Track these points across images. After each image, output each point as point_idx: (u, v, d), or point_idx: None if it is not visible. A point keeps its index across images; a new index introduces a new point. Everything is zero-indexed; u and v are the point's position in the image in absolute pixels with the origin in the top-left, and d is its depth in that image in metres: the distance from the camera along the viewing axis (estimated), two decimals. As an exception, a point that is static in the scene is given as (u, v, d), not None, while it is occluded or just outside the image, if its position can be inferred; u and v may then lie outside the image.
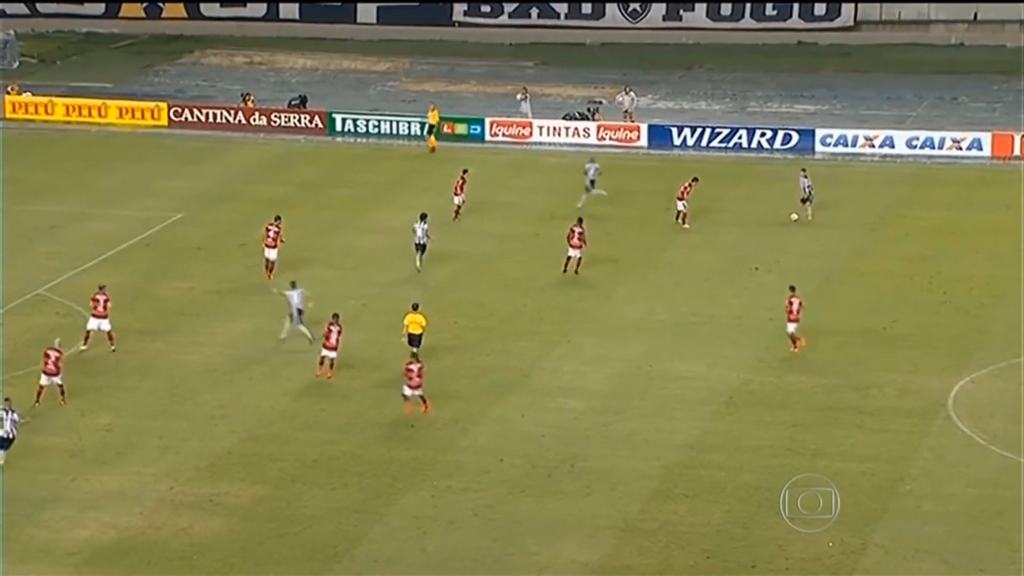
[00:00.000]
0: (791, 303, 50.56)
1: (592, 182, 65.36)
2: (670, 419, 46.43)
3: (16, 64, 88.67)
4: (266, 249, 56.89)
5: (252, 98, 79.52)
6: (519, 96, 78.76)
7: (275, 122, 77.70)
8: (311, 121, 77.70)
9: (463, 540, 40.05)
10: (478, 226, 63.45)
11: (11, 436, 42.94)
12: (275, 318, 51.56)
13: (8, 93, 79.44)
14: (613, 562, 39.11)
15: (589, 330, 53.01)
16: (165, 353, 50.99)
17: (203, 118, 78.00)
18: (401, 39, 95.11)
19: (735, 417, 46.64)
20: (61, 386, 46.54)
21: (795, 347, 50.59)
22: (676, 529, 40.37)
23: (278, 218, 57.48)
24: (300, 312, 50.79)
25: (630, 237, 62.10)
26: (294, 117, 77.94)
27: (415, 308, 50.01)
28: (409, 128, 76.61)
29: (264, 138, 76.58)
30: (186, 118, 77.96)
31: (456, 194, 63.81)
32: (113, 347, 50.36)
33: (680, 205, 63.02)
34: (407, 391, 46.35)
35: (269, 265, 56.82)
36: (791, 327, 50.60)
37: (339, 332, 48.53)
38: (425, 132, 74.99)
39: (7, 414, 43.01)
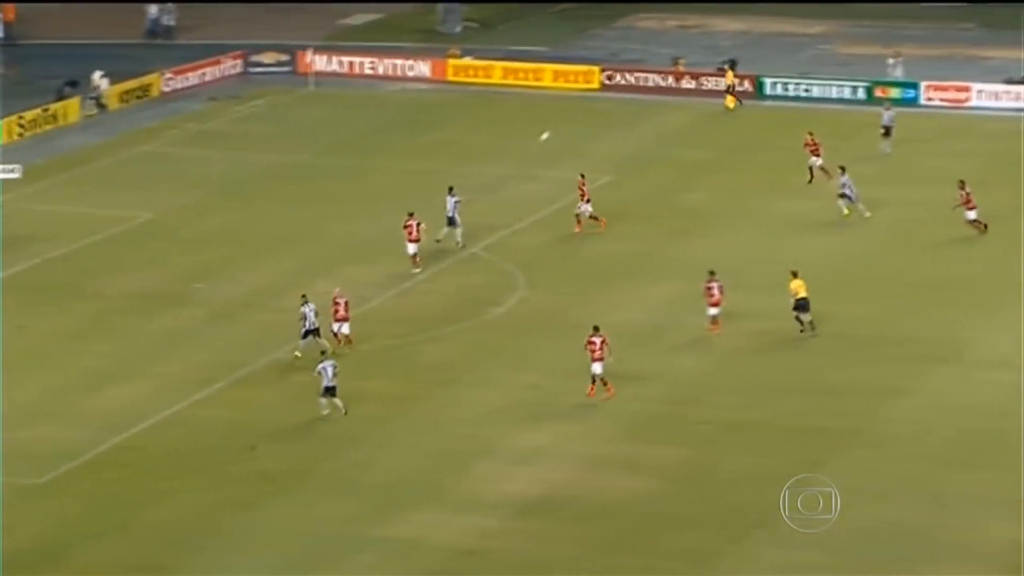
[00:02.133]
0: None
1: (887, 128, 65.98)
2: (1109, 397, 44.68)
3: (458, 28, 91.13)
4: (409, 244, 54.33)
5: (683, 62, 79.75)
6: (891, 60, 77.00)
7: (704, 86, 77.75)
8: (741, 85, 77.46)
9: (890, 512, 39.44)
10: (906, 193, 62.23)
11: (333, 384, 44.27)
12: (694, 282, 51.60)
13: (451, 57, 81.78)
14: (1044, 542, 37.95)
15: (1021, 301, 51.35)
16: (590, 314, 51.65)
17: (634, 82, 78.62)
18: (836, 1, 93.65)
19: None
20: (348, 335, 47.85)
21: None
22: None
23: (411, 214, 54.61)
24: (452, 219, 55.85)
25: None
26: (724, 81, 77.75)
27: (795, 275, 49.56)
28: (841, 92, 75.64)
29: (693, 102, 76.68)
30: (618, 82, 78.69)
31: (815, 155, 62.79)
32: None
33: None
34: (596, 367, 45.10)
35: (414, 259, 54.48)
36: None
37: (720, 289, 48.98)
38: (726, 90, 75.36)
39: (328, 364, 44.38)
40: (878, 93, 75.18)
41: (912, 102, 74.59)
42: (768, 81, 77.11)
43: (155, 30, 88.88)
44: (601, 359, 45.19)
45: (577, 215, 58.44)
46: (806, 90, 76.45)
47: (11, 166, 64.51)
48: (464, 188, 59.73)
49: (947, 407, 44.76)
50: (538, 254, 56.78)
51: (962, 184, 57.42)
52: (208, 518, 39.49)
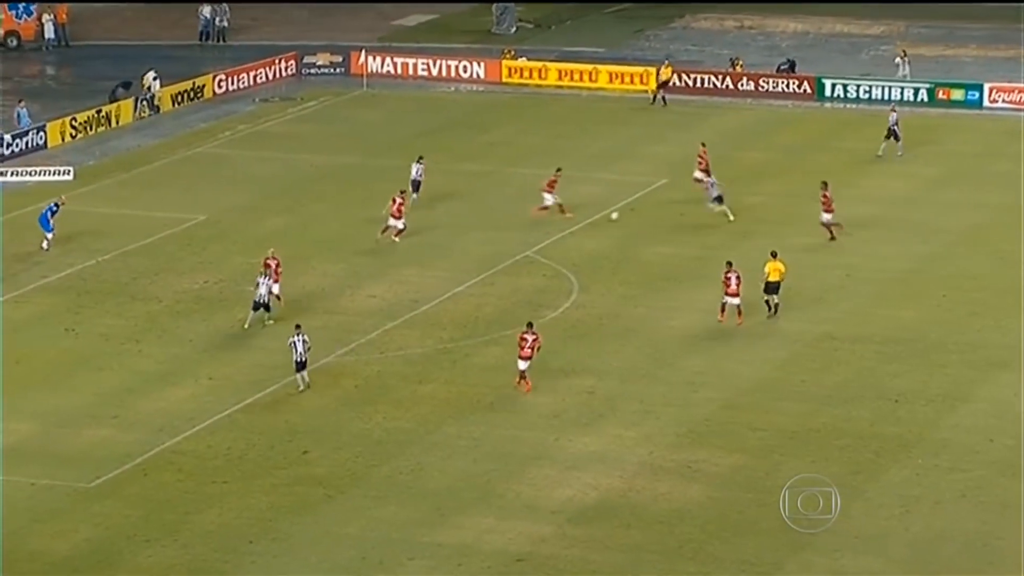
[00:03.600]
0: None
1: (893, 131, 65.64)
2: None
3: (513, 29, 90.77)
4: (391, 219, 56.71)
5: (740, 63, 79.14)
6: (897, 60, 76.54)
7: (763, 87, 77.12)
8: (799, 86, 76.80)
9: (949, 521, 38.82)
10: (968, 197, 61.57)
11: (304, 359, 45.49)
12: (752, 287, 51.01)
13: (505, 58, 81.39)
14: (1109, 553, 37.20)
15: (1088, 307, 50.63)
16: (646, 318, 51.27)
17: (691, 83, 78.03)
18: (897, 1, 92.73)
19: None
20: (278, 295, 50.22)
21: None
22: None
23: (403, 192, 57.48)
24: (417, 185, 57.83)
25: None
26: (782, 82, 77.19)
27: (774, 256, 49.68)
28: (902, 94, 74.88)
29: (751, 103, 76.05)
30: (674, 83, 78.07)
31: (701, 169, 61.81)
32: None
33: None
34: (520, 364, 45.34)
35: (391, 230, 56.72)
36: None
37: (738, 279, 49.00)
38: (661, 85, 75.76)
39: (299, 339, 45.47)
40: (940, 95, 74.36)
41: (976, 104, 73.75)
42: (828, 83, 76.41)
43: (208, 31, 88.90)
44: (529, 357, 45.24)
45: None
46: (866, 91, 75.72)
47: (64, 168, 64.54)
48: (517, 189, 59.43)
49: (1009, 415, 44.05)
50: (592, 257, 56.32)
51: (824, 185, 56.72)
52: (260, 522, 39.20)
